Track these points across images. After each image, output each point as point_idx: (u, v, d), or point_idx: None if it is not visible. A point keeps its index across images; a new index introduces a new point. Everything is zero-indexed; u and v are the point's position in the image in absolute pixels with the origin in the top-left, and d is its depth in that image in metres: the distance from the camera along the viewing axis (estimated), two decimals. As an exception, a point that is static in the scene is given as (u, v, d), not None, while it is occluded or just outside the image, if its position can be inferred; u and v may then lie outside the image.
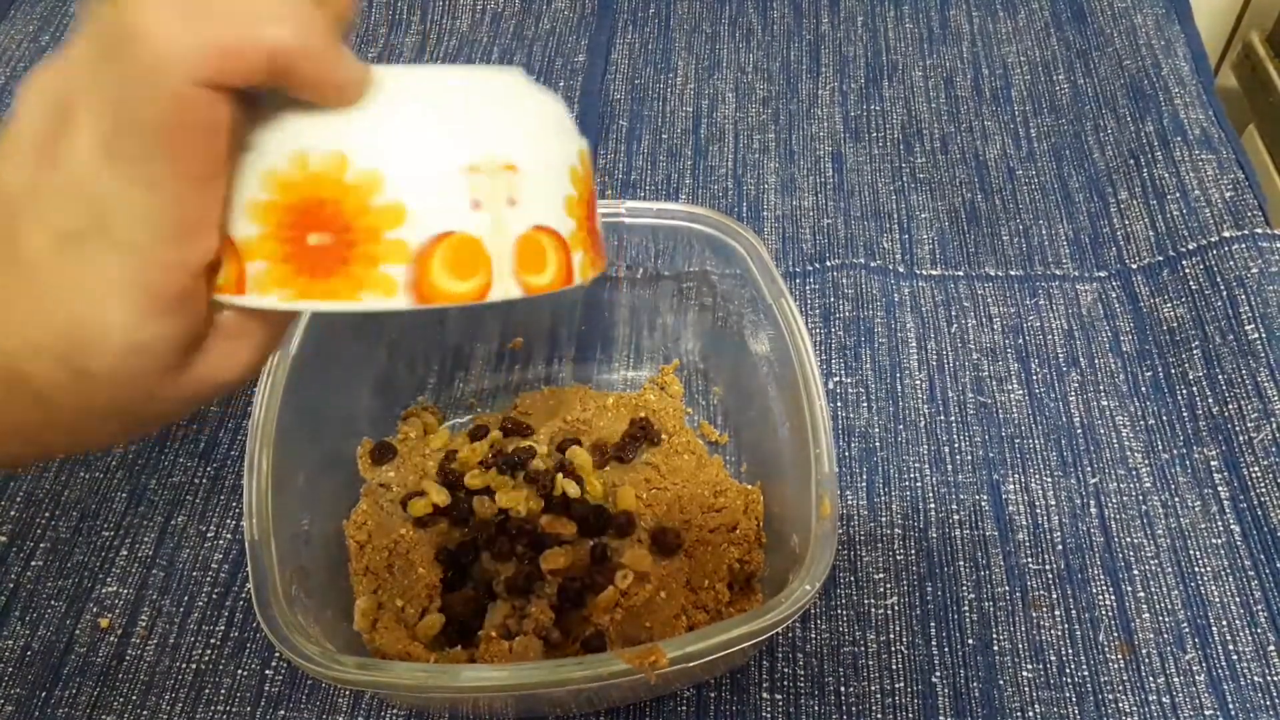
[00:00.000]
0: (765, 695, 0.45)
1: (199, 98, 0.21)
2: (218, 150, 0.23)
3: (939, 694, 0.44)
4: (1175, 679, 0.44)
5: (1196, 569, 0.47)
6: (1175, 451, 0.51)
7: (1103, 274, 0.59)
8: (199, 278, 0.24)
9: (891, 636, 0.46)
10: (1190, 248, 0.57)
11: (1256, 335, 0.52)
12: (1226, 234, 0.56)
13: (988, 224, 0.62)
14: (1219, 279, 0.55)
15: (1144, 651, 0.45)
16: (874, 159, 0.66)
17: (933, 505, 0.50)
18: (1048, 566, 0.48)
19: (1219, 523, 0.49)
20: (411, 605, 0.45)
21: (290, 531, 0.41)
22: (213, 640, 0.46)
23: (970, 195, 0.63)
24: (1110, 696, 0.44)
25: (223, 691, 0.45)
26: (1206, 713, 0.43)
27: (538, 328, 0.56)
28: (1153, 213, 0.59)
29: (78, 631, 0.47)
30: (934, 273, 0.59)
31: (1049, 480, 0.51)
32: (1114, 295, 0.58)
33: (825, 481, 0.40)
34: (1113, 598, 0.47)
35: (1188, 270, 0.56)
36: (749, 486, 0.49)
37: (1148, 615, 0.46)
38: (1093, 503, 0.50)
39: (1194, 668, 0.45)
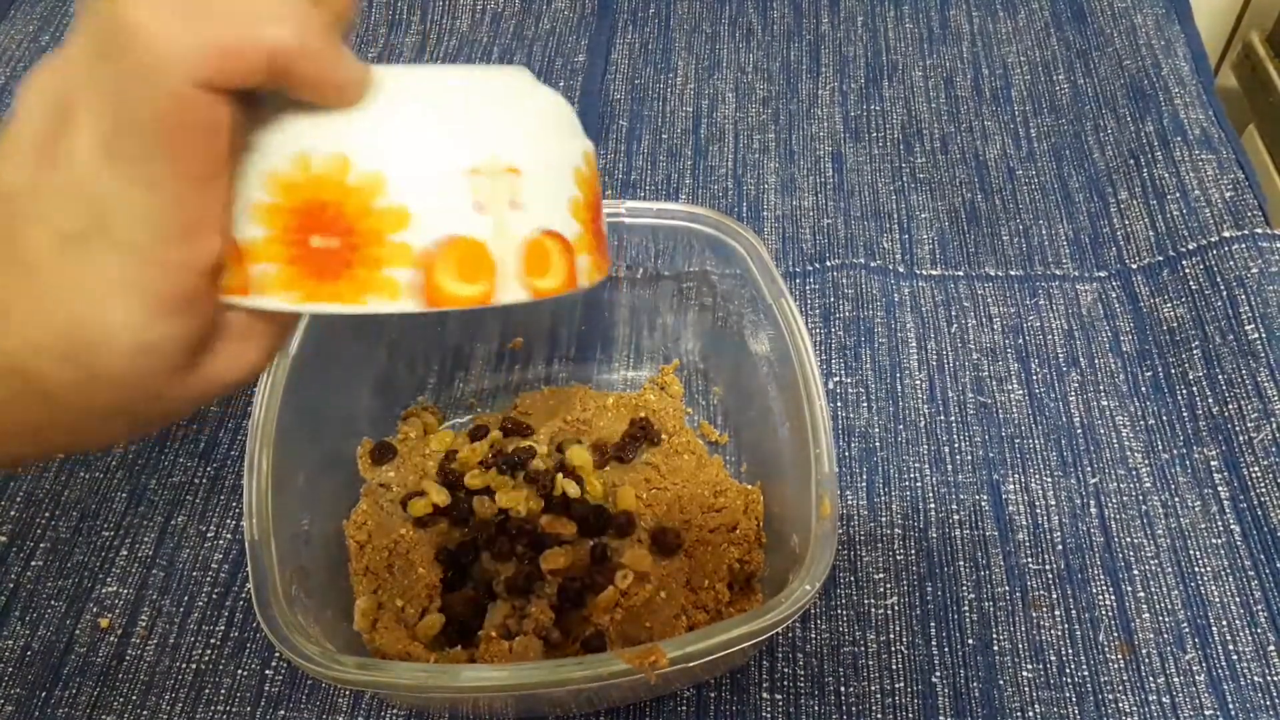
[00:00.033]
0: (765, 695, 0.45)
1: (198, 98, 0.21)
2: (218, 150, 0.23)
3: (939, 694, 0.44)
4: (1175, 679, 0.44)
5: (1196, 569, 0.47)
6: (1175, 451, 0.51)
7: (1103, 274, 0.59)
8: (205, 278, 0.24)
9: (891, 636, 0.46)
10: (1190, 248, 0.57)
11: (1256, 335, 0.52)
12: (1226, 234, 0.56)
13: (988, 224, 0.62)
14: (1219, 279, 0.55)
15: (1144, 651, 0.45)
16: (874, 159, 0.66)
17: (933, 505, 0.50)
18: (1048, 566, 0.48)
19: (1219, 523, 0.49)
20: (411, 605, 0.45)
21: (290, 531, 0.41)
22: (213, 640, 0.46)
23: (970, 195, 0.63)
24: (1110, 696, 0.44)
25: (223, 691, 0.45)
26: (1206, 713, 0.43)
27: (538, 328, 0.56)
28: (1153, 213, 0.59)
29: (78, 631, 0.47)
30: (934, 273, 0.59)
31: (1049, 480, 0.51)
32: (1114, 295, 0.58)
33: (825, 481, 0.40)
34: (1113, 598, 0.47)
35: (1188, 270, 0.56)
36: (749, 486, 0.49)
37: (1148, 615, 0.46)
38: (1093, 503, 0.50)
39: (1194, 668, 0.45)
